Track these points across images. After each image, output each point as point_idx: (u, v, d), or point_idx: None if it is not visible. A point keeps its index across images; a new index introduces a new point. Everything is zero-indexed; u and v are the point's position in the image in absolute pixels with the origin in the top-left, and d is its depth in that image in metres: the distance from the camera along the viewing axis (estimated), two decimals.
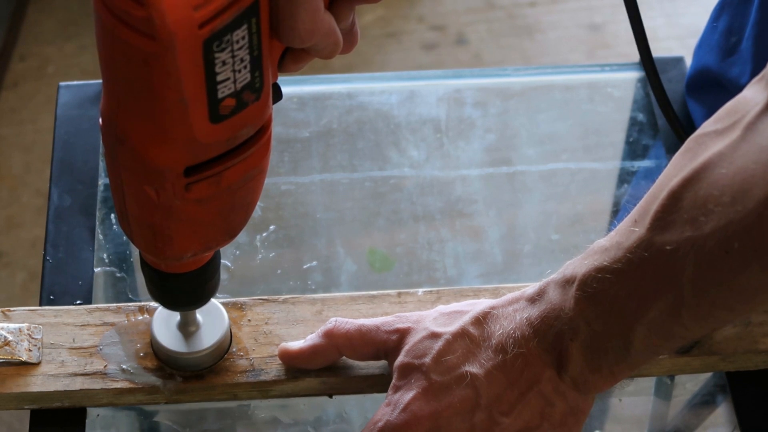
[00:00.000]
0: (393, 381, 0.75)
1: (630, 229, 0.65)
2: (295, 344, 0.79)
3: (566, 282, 0.70)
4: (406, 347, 0.75)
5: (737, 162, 0.59)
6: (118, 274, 0.92)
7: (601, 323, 0.68)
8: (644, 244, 0.64)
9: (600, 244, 0.68)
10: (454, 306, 0.77)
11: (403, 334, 0.76)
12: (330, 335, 0.78)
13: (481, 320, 0.74)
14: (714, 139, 0.62)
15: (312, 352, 0.79)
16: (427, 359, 0.73)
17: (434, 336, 0.74)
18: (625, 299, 0.66)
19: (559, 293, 0.71)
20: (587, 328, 0.69)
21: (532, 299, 0.73)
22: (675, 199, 0.62)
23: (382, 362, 0.80)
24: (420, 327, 0.76)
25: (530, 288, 0.74)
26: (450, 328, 0.74)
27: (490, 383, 0.72)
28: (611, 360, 0.69)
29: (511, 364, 0.72)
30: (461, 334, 0.74)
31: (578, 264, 0.69)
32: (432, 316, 0.76)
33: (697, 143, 0.63)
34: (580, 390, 0.72)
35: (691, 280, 0.62)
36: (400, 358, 0.75)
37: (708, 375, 0.88)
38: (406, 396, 0.73)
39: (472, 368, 0.72)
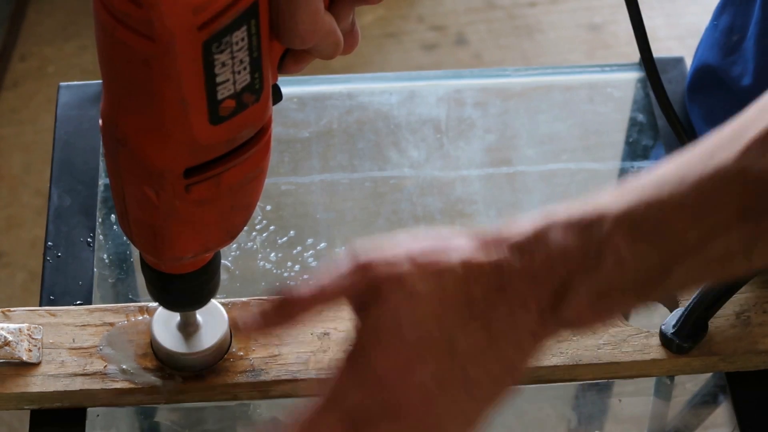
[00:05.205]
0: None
1: (704, 162, 0.59)
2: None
3: (586, 224, 0.62)
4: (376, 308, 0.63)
5: None
6: (118, 275, 0.92)
7: (639, 259, 0.61)
8: (731, 174, 0.58)
9: (643, 182, 0.61)
10: (426, 245, 0.65)
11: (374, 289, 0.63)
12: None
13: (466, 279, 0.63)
14: None
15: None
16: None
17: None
18: (681, 234, 0.60)
19: (575, 236, 0.62)
20: (616, 268, 0.61)
21: (521, 247, 0.64)
22: None
23: None
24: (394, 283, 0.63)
25: (513, 234, 0.64)
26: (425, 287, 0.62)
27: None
28: (620, 299, 0.62)
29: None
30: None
31: (607, 202, 0.61)
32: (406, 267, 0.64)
33: None
34: (561, 325, 0.64)
35: None
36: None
37: (708, 375, 0.88)
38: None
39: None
